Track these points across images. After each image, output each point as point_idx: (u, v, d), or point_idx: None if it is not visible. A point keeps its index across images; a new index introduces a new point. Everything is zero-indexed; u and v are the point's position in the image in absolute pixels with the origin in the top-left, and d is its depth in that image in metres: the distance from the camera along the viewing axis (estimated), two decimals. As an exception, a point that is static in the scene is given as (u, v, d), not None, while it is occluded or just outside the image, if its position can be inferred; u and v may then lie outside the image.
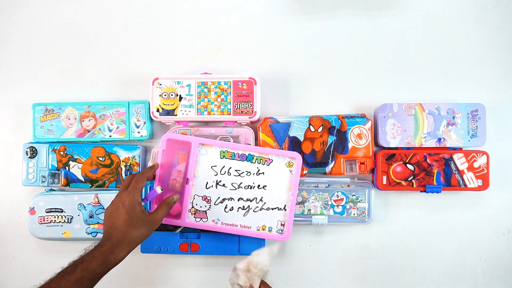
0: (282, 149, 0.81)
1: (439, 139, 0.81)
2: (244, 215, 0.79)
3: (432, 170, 0.81)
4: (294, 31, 0.88)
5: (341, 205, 0.83)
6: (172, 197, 0.72)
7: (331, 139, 0.82)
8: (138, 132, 0.84)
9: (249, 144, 0.81)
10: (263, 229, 0.79)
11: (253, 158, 0.78)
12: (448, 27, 0.87)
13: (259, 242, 0.81)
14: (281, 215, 0.79)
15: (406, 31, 0.87)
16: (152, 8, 0.89)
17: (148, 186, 0.81)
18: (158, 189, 0.72)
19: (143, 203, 0.69)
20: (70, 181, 0.84)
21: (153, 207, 0.76)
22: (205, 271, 0.87)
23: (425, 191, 0.81)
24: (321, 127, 0.82)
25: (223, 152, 0.78)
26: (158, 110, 0.82)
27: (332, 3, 0.87)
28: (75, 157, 0.84)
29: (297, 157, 0.78)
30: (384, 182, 0.82)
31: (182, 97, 0.81)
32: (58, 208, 0.82)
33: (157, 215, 0.68)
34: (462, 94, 0.86)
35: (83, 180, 0.84)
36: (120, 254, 0.63)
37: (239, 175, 0.78)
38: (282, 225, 0.79)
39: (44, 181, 0.84)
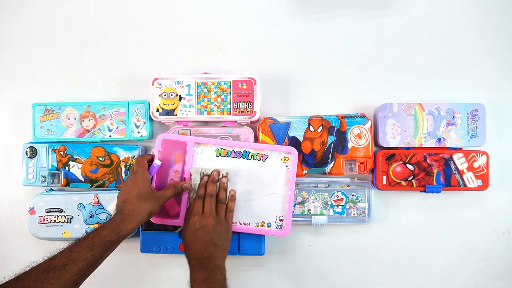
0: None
1: (439, 139, 0.81)
2: (242, 212, 0.79)
3: (432, 170, 0.81)
4: (294, 31, 0.88)
5: (341, 205, 0.83)
6: (182, 184, 0.76)
7: (330, 139, 0.82)
8: (138, 132, 0.84)
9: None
10: (262, 225, 0.79)
11: (248, 154, 0.78)
12: (448, 27, 0.87)
13: (259, 240, 0.81)
14: (280, 210, 0.79)
15: (406, 31, 0.87)
16: (152, 8, 0.89)
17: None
18: (157, 161, 0.76)
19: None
20: (70, 181, 0.84)
21: (156, 183, 0.77)
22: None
23: (425, 191, 0.81)
24: (321, 127, 0.82)
25: (219, 150, 0.78)
26: (158, 110, 0.82)
27: (332, 3, 0.87)
28: (75, 157, 0.84)
29: (293, 152, 0.78)
30: (384, 182, 0.82)
31: (182, 97, 0.81)
32: (58, 208, 0.82)
33: (164, 193, 0.73)
34: (462, 94, 0.86)
35: (83, 180, 0.84)
36: (130, 225, 0.67)
37: (236, 172, 0.78)
38: (281, 220, 0.79)
39: (44, 181, 0.84)
